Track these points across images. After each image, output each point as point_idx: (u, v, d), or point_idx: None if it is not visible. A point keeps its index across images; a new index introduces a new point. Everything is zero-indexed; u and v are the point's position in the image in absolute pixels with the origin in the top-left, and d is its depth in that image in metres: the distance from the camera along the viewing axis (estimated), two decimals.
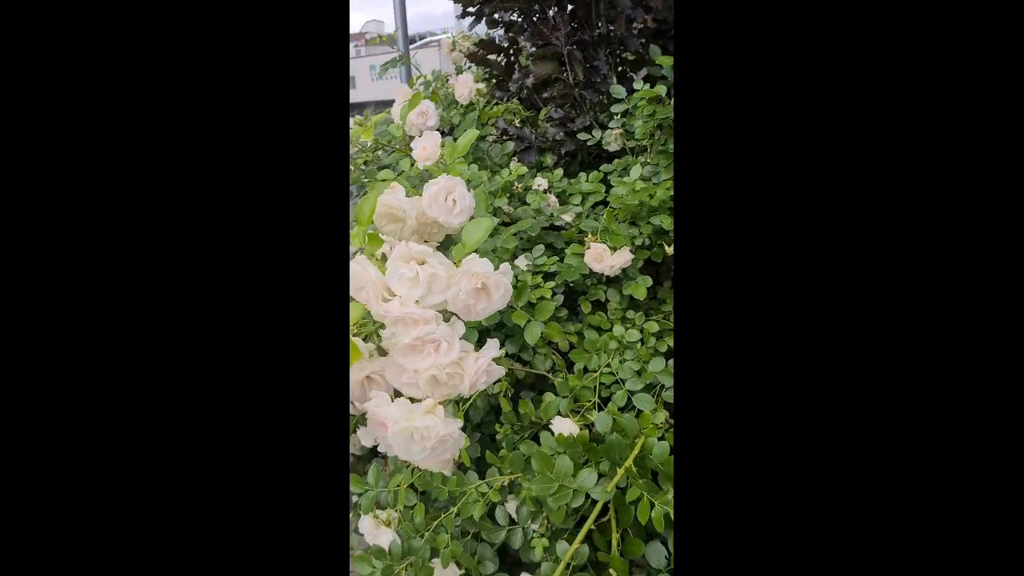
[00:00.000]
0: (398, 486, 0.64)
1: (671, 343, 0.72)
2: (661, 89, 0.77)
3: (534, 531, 0.62)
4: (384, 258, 0.52)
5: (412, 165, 0.78)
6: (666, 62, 0.79)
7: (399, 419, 0.40)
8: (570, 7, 0.97)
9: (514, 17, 1.04)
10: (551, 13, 0.93)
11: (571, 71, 0.94)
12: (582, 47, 0.94)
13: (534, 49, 0.94)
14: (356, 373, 0.43)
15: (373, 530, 0.66)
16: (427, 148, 0.53)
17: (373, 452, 0.83)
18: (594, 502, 0.55)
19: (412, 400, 0.44)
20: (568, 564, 0.53)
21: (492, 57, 1.11)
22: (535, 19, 0.93)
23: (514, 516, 0.65)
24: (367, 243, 0.50)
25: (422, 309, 0.41)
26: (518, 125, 0.98)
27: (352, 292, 0.43)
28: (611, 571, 0.53)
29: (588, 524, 0.53)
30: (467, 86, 0.88)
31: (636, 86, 0.80)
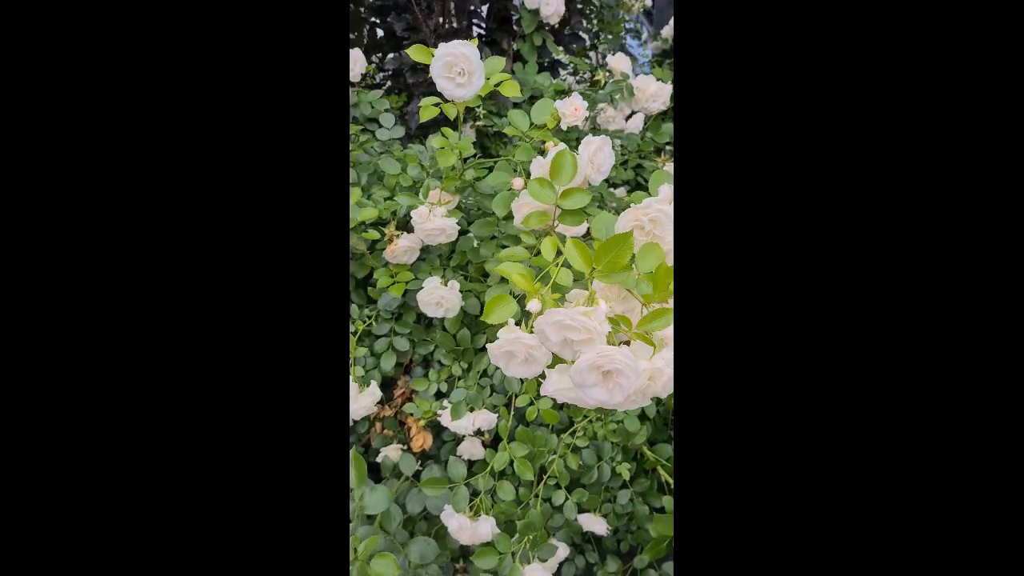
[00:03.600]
0: (509, 462, 0.61)
1: None
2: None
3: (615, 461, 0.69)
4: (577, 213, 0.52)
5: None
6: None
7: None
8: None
9: None
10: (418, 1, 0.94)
11: None
12: (445, 38, 0.98)
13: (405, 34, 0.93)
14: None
15: (471, 525, 0.61)
16: (578, 108, 0.55)
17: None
18: None
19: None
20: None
21: None
22: (405, 5, 0.92)
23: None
24: (563, 198, 0.51)
25: None
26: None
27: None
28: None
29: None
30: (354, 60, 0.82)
31: None
